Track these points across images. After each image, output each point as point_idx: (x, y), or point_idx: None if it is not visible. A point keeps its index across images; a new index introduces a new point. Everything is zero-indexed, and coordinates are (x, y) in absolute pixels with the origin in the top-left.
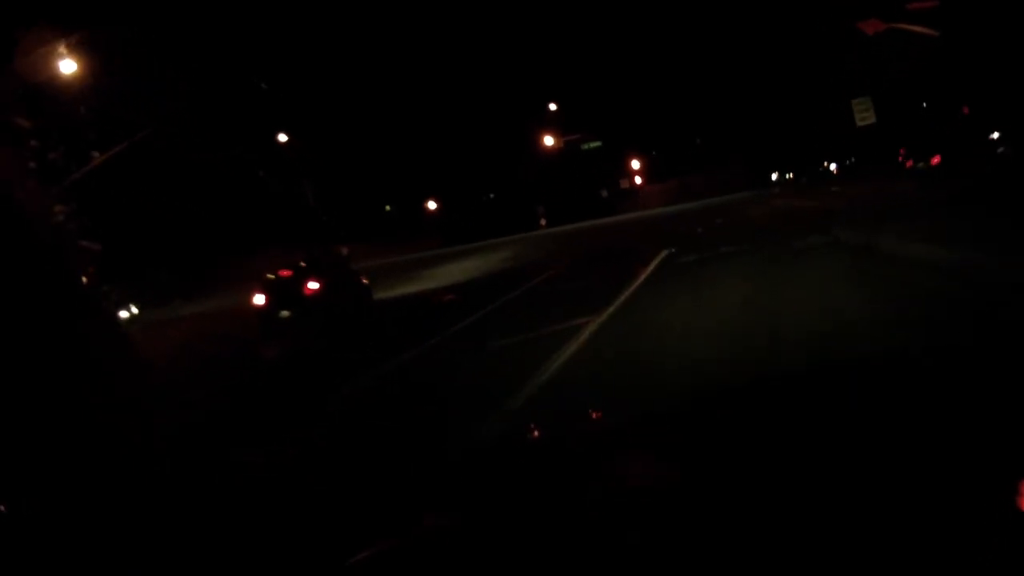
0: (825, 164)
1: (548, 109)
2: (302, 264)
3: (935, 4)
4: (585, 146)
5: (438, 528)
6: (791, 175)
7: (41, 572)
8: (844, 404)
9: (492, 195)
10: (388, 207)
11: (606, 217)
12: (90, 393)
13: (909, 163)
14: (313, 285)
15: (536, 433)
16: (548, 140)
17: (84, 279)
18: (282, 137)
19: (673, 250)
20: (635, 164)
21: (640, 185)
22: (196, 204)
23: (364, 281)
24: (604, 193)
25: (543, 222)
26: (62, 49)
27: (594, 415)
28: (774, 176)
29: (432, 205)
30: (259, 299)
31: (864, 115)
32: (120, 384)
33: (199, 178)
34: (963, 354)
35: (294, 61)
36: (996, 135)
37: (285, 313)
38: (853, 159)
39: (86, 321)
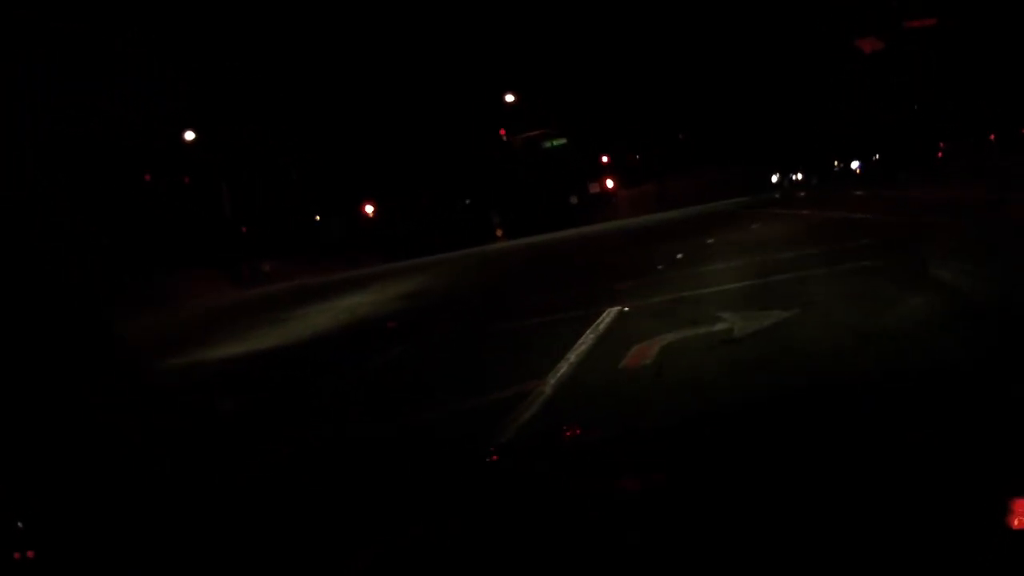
0: (837, 163)
1: (504, 100)
2: None
3: (933, 22)
4: (548, 143)
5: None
6: (798, 176)
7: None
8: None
9: (439, 200)
10: (317, 217)
11: (573, 228)
12: (88, 393)
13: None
14: None
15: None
16: (504, 136)
17: None
18: (189, 135)
19: (625, 308)
20: (607, 164)
21: (613, 189)
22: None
23: None
24: (574, 200)
25: (499, 233)
26: None
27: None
28: (774, 178)
29: (369, 209)
30: None
31: None
32: (115, 384)
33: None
34: None
35: (201, 41)
36: None
37: None
38: (878, 156)
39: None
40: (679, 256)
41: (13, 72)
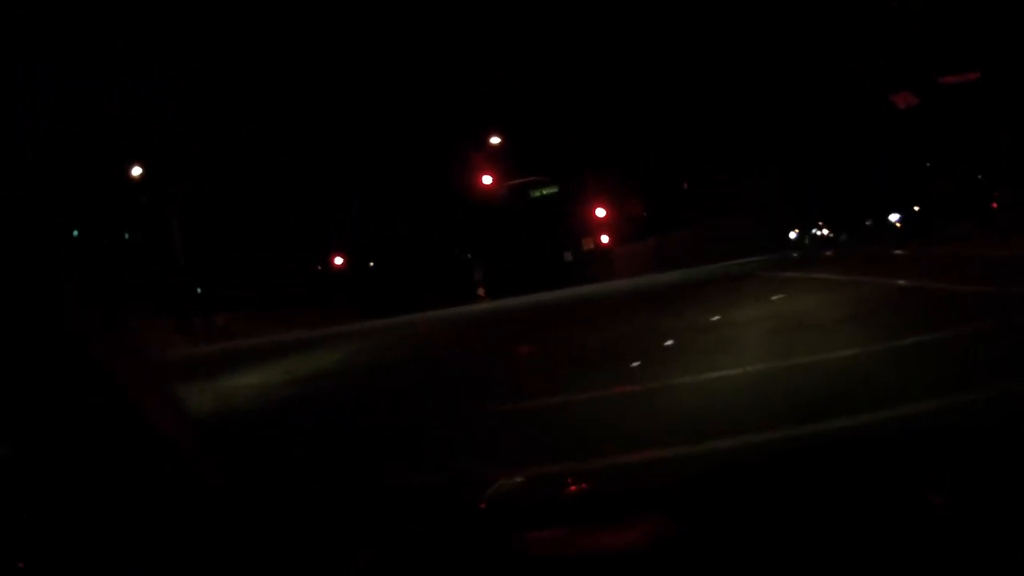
0: (870, 216)
1: (488, 143)
2: None
3: (976, 77)
4: (536, 192)
5: None
6: (824, 231)
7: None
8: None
9: (417, 253)
10: (285, 266)
11: (563, 289)
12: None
13: None
14: None
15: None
16: (486, 180)
17: None
18: (136, 171)
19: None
20: (602, 217)
21: (609, 245)
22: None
23: None
24: (568, 256)
25: (481, 292)
26: None
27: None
28: (793, 234)
29: (339, 261)
30: None
31: None
32: (131, 383)
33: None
34: None
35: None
36: None
37: None
38: (918, 207)
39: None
40: (668, 344)
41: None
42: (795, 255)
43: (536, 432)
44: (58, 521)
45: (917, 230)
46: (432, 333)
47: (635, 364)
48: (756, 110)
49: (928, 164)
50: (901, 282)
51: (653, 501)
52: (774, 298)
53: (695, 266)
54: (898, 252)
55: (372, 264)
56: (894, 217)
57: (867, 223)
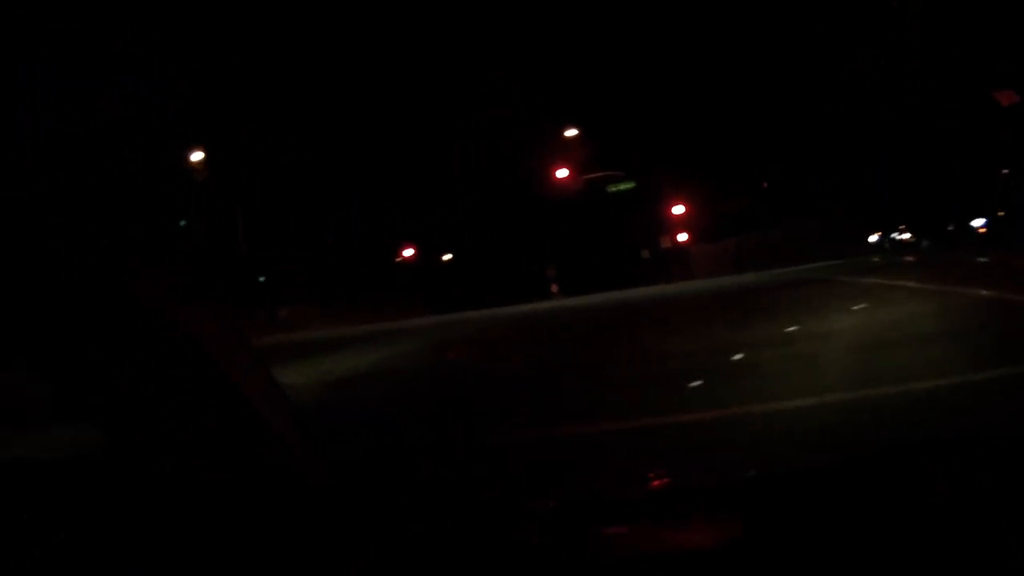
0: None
1: (563, 135)
2: None
3: None
4: (612, 187)
5: None
6: (905, 235)
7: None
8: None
9: (485, 247)
10: (353, 257)
11: (640, 287)
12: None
13: None
14: None
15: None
16: (561, 173)
17: None
18: (196, 156)
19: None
20: (680, 215)
21: (687, 244)
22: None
23: None
24: (646, 254)
25: (555, 288)
26: None
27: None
28: (873, 238)
29: (409, 252)
30: None
31: None
32: (233, 369)
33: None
34: None
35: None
36: None
37: None
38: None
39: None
40: (737, 358)
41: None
42: (875, 259)
43: (538, 471)
44: (153, 513)
45: (1001, 237)
46: (487, 334)
47: (695, 384)
48: (837, 111)
49: (1006, 171)
50: (992, 294)
51: (725, 500)
52: (855, 308)
53: (773, 268)
54: (982, 260)
55: (442, 257)
56: (977, 223)
57: (949, 228)
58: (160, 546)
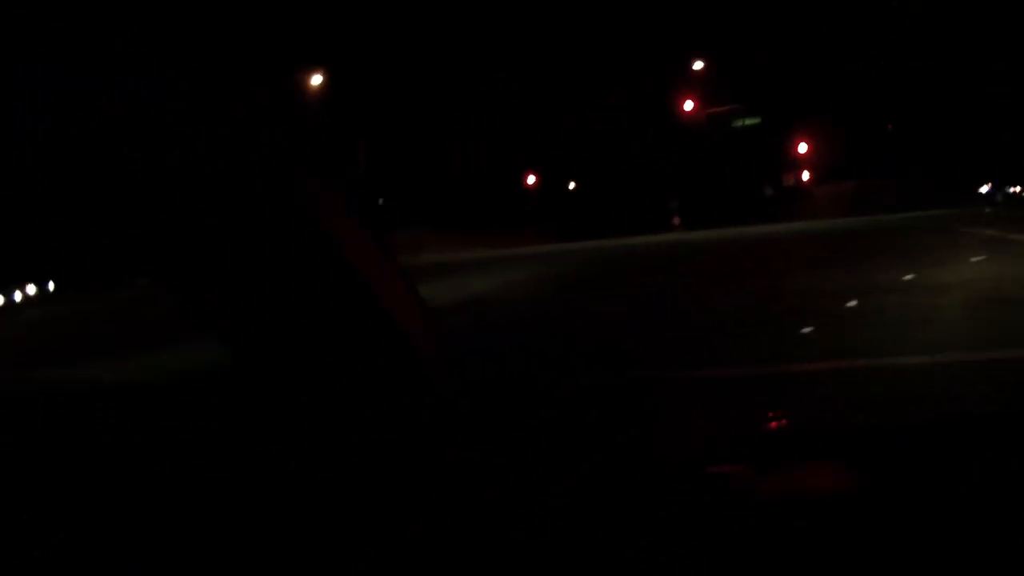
0: None
1: (691, 68)
2: None
3: None
4: (738, 122)
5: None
6: (1017, 188)
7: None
8: None
9: (609, 177)
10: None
11: (761, 224)
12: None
13: None
14: None
15: None
16: (688, 106)
17: None
18: (316, 79)
19: None
20: (804, 154)
21: (809, 183)
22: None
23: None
24: (769, 191)
25: (676, 221)
26: None
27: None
28: (984, 189)
29: (532, 180)
30: None
31: None
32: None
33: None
34: None
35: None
36: None
37: None
38: None
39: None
40: (851, 305)
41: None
42: (987, 210)
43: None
44: (291, 425)
45: None
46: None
47: (806, 330)
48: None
49: None
50: None
51: (844, 446)
52: (974, 260)
53: (893, 213)
54: None
55: (566, 186)
56: None
57: None
58: (292, 466)
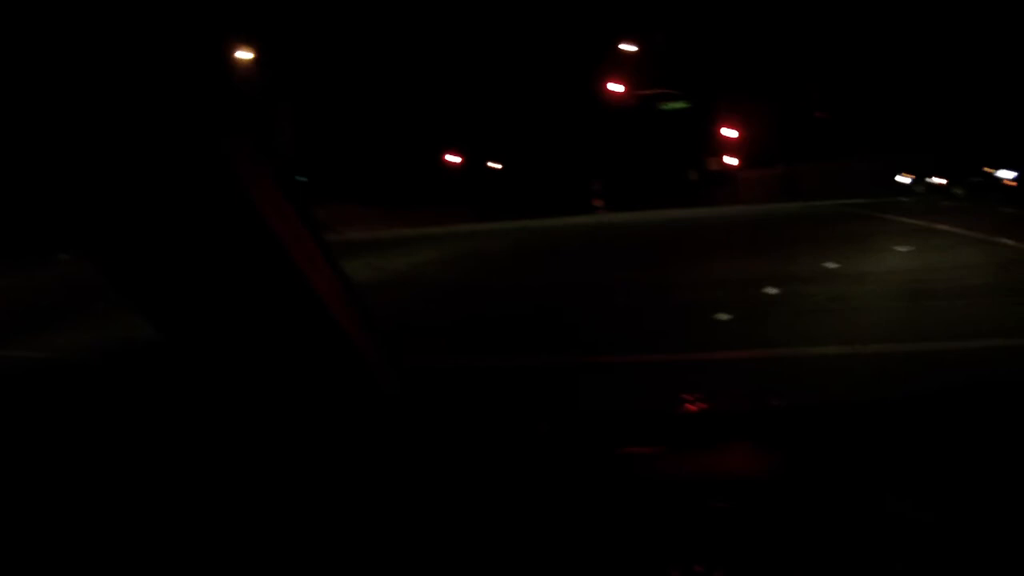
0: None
1: (619, 50)
2: None
3: None
4: (666, 106)
5: None
6: (937, 180)
7: None
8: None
9: (531, 157)
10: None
11: (685, 207)
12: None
13: None
14: None
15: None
16: (615, 88)
17: None
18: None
19: None
20: (730, 139)
21: (735, 168)
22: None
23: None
24: (693, 175)
25: (599, 203)
26: None
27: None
28: (903, 179)
29: (453, 159)
30: None
31: None
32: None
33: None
34: None
35: None
36: None
37: None
38: None
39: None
40: (770, 292)
41: None
42: (905, 200)
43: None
44: (203, 414)
45: None
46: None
47: (724, 318)
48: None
49: None
50: None
51: (758, 428)
52: (900, 249)
53: (818, 199)
54: (1012, 210)
55: (489, 165)
56: (1007, 175)
57: (977, 178)
58: (209, 451)
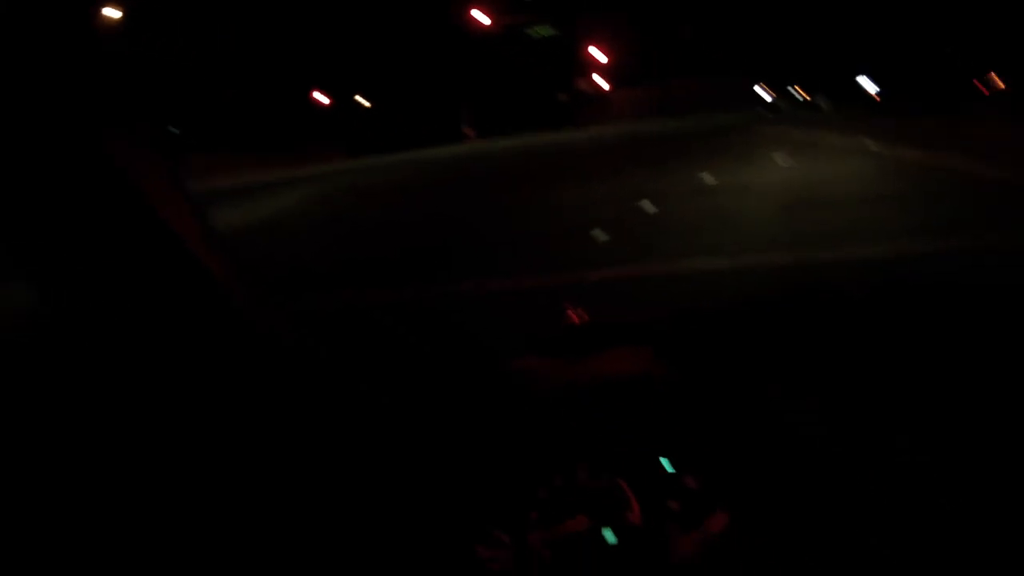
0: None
1: None
2: None
3: None
4: (534, 31)
5: None
6: (799, 92)
7: None
8: None
9: (400, 90)
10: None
11: (560, 131)
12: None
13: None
14: None
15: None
16: (479, 16)
17: None
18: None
19: None
20: (600, 62)
21: (605, 89)
22: None
23: None
24: (563, 98)
25: (470, 132)
26: None
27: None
28: (760, 91)
29: (321, 97)
30: None
31: None
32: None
33: None
34: None
35: None
36: None
37: None
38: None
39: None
40: (649, 210)
41: None
42: (768, 114)
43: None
44: (93, 370)
45: (897, 100)
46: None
47: (603, 238)
48: None
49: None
50: (924, 156)
51: (642, 335)
52: (778, 161)
53: (690, 115)
54: (885, 119)
55: (356, 101)
56: (870, 87)
57: (842, 87)
58: (98, 406)
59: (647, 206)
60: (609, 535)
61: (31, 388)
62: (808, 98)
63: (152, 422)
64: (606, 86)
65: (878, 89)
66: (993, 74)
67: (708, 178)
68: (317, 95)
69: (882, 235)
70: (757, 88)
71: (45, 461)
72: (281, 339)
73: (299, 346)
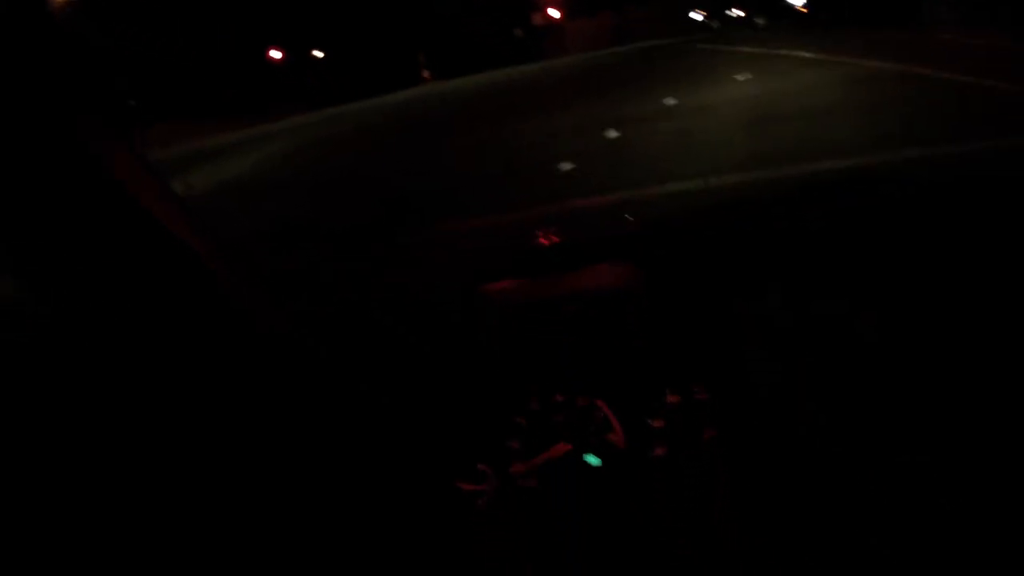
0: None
1: None
2: None
3: None
4: None
5: None
6: (738, 12)
7: None
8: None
9: (354, 39)
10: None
11: (515, 65)
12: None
13: None
14: None
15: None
16: None
17: None
18: None
19: None
20: None
21: (560, 21)
22: None
23: None
24: (519, 32)
25: (427, 75)
26: None
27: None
28: (695, 15)
29: (276, 55)
30: None
31: None
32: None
33: None
34: None
35: None
36: None
37: None
38: None
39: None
40: (612, 136)
41: None
42: (706, 34)
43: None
44: (80, 367)
45: (831, 14)
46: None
47: (566, 167)
48: None
49: None
50: (881, 64)
51: (620, 250)
52: (737, 78)
53: (648, 40)
54: (829, 32)
55: (311, 54)
56: (797, 1)
57: (772, 4)
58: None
59: (611, 134)
60: (592, 459)
61: (19, 384)
62: (743, 15)
63: (145, 418)
64: (560, 16)
65: (804, 1)
66: None
67: (669, 100)
68: (273, 53)
69: (852, 147)
70: (692, 12)
71: (35, 457)
72: (274, 327)
73: (289, 332)
